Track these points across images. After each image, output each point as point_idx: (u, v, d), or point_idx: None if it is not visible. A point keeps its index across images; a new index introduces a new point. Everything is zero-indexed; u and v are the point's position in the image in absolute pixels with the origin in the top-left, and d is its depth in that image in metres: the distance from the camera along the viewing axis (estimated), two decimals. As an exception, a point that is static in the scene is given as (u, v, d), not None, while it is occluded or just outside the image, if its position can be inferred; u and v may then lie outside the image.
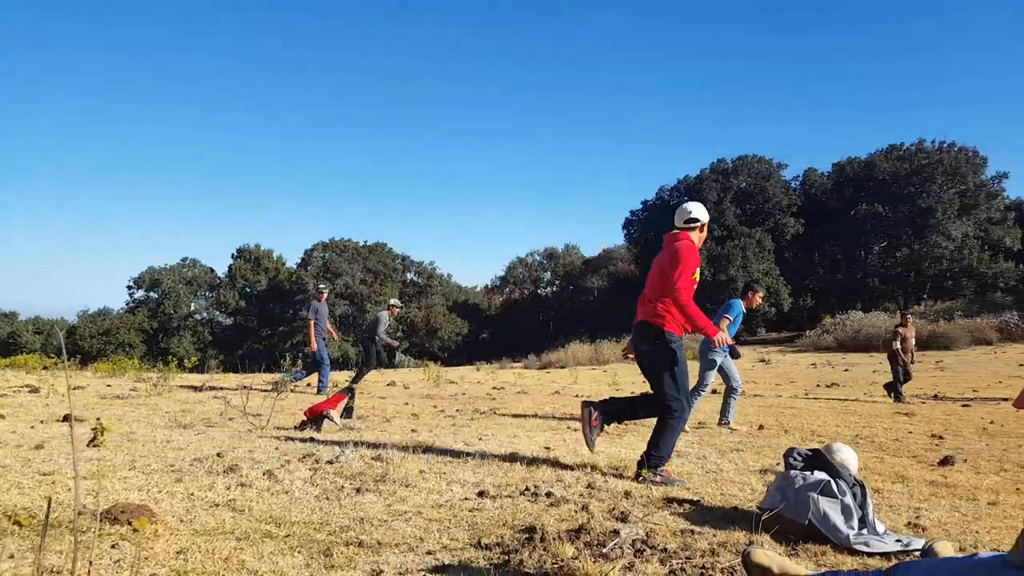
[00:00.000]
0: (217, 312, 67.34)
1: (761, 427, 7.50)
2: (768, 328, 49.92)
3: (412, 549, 2.92)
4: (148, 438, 5.80)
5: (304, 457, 4.88)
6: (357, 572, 2.59)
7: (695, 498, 3.93)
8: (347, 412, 7.48)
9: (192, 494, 3.77)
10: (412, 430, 6.91)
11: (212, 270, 70.00)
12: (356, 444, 5.65)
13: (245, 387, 10.09)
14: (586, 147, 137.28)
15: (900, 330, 12.54)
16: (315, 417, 6.93)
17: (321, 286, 12.64)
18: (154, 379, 11.91)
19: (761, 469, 4.93)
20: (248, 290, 66.65)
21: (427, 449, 5.53)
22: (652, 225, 58.07)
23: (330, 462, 4.70)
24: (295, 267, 67.80)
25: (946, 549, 2.76)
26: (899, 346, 12.13)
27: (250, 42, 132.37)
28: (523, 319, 68.42)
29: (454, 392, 13.31)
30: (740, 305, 7.68)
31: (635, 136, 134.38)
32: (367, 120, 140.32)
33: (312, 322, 11.79)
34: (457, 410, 9.48)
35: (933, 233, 47.84)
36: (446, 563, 2.71)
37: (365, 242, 70.72)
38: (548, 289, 75.60)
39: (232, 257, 68.43)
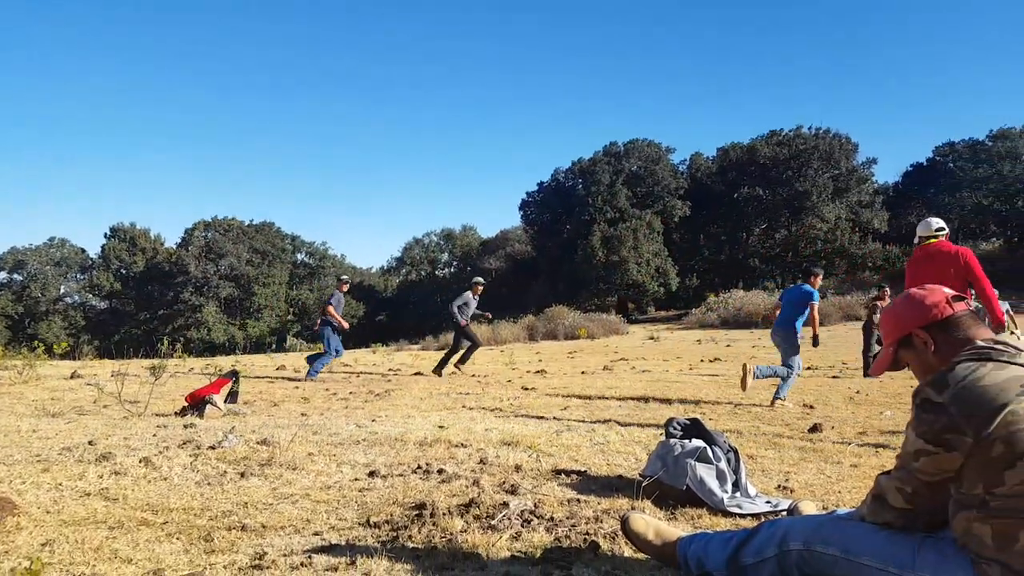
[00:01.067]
0: (90, 295, 62.65)
1: (647, 400, 7.81)
2: (657, 307, 52.11)
3: (298, 531, 2.85)
4: (11, 428, 5.41)
5: (184, 443, 4.67)
6: (240, 556, 2.51)
7: (583, 469, 4.04)
8: (231, 397, 7.19)
9: (60, 484, 3.54)
10: (302, 414, 6.72)
11: (83, 251, 65.03)
12: (241, 429, 5.46)
13: (121, 373, 9.47)
14: (482, 127, 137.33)
15: (879, 303, 12.96)
16: (197, 403, 6.63)
17: (343, 277, 13.80)
18: (19, 366, 10.98)
19: (646, 440, 5.13)
20: (124, 272, 62.33)
21: (317, 432, 5.41)
22: (548, 207, 58.98)
23: (212, 447, 4.52)
24: (175, 247, 64.00)
25: (809, 508, 2.99)
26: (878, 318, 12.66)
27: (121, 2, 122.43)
28: (421, 300, 67.88)
29: (348, 375, 13.04)
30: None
31: (531, 118, 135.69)
32: (250, 93, 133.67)
33: (331, 307, 12.33)
34: (350, 393, 9.30)
35: (809, 215, 51.33)
36: (333, 543, 2.66)
37: (251, 221, 67.67)
38: (446, 270, 75.35)
39: (105, 237, 63.56)
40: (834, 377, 10.68)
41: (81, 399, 7.77)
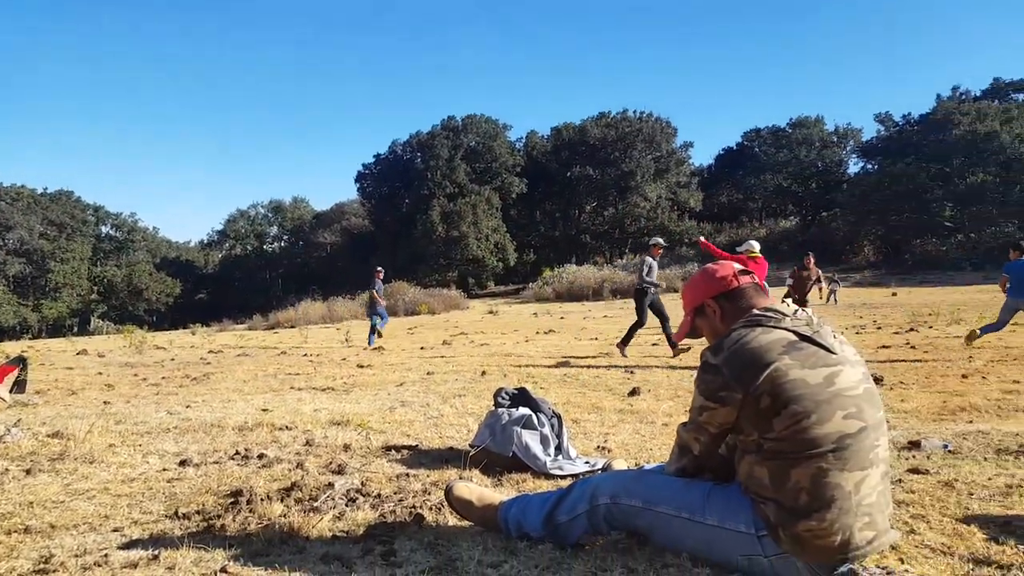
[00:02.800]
0: None
1: (484, 372, 7.94)
2: (496, 282, 53.18)
3: (94, 528, 2.59)
4: None
5: (-44, 441, 4.09)
6: (21, 561, 2.23)
7: (414, 443, 4.02)
8: (18, 387, 6.39)
9: None
10: (104, 402, 6.11)
11: None
12: (29, 421, 4.90)
13: None
14: (314, 96, 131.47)
15: (803, 273, 13.80)
16: (-25, 395, 5.82)
17: (379, 268, 15.54)
18: None
19: (479, 411, 5.21)
20: None
21: (121, 421, 4.97)
22: (386, 180, 57.91)
23: (-8, 443, 3.99)
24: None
25: (620, 465, 3.23)
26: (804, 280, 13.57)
27: None
28: (247, 277, 64.16)
29: (161, 359, 12.05)
30: None
31: (367, 90, 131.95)
32: (36, 41, 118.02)
33: (376, 294, 14.79)
34: (163, 377, 8.60)
35: (634, 194, 54.72)
36: (135, 538, 2.44)
37: (44, 190, 60.29)
38: (275, 244, 71.63)
39: None
40: (654, 344, 11.47)
41: None
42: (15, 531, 2.54)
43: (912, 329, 13.19)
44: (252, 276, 64.14)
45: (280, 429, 4.58)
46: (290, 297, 44.59)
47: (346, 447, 3.98)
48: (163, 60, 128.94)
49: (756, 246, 9.63)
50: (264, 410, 5.47)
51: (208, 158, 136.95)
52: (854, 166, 60.81)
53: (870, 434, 1.90)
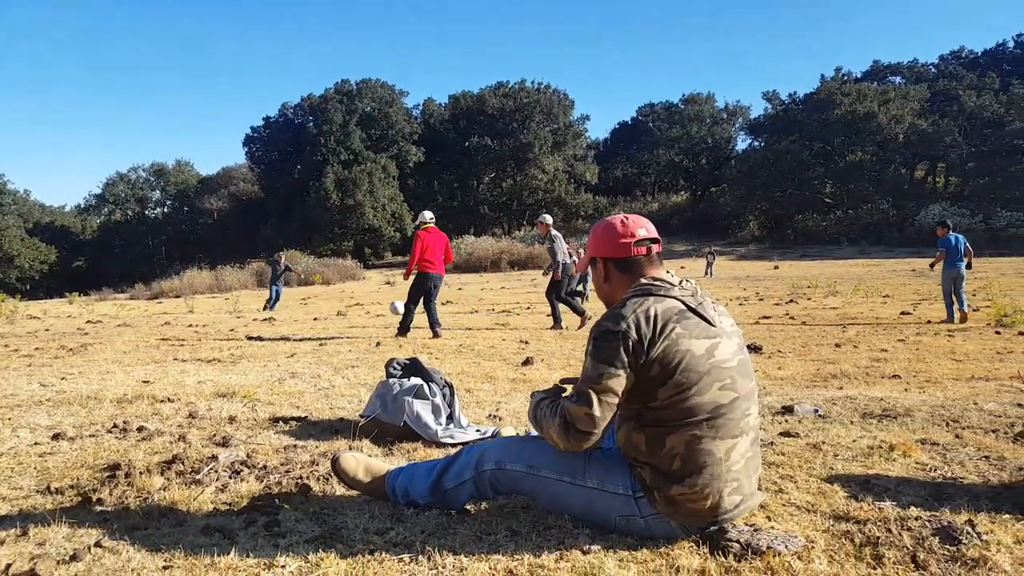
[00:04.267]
0: None
1: (379, 344, 7.89)
2: (393, 252, 52.44)
3: (-44, 506, 2.44)
4: None
5: None
6: None
7: (303, 415, 3.98)
8: None
9: None
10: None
11: None
12: None
13: None
14: (200, 55, 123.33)
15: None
16: None
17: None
18: None
19: (372, 382, 5.20)
20: None
21: (-14, 395, 4.62)
22: (276, 144, 55.51)
23: None
24: None
25: (509, 431, 3.34)
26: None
27: None
28: (128, 244, 60.13)
29: (35, 329, 11.20)
30: None
31: (253, 49, 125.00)
32: None
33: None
34: (37, 348, 8.02)
35: (531, 166, 55.07)
36: (2, 514, 2.34)
37: None
38: (159, 210, 67.38)
39: None
40: (549, 315, 11.76)
41: None
42: None
43: (792, 301, 14.19)
44: (134, 243, 60.12)
45: (162, 401, 4.42)
46: (175, 265, 42.27)
47: (231, 419, 3.90)
48: (32, 7, 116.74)
49: (427, 215, 9.30)
50: (145, 382, 5.25)
51: (83, 116, 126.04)
52: (742, 143, 63.94)
53: (741, 404, 1.99)
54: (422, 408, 3.39)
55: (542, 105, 55.85)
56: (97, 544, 2.01)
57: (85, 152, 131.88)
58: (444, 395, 3.56)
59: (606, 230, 2.22)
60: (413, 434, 3.34)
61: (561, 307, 9.80)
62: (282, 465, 2.90)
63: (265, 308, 16.46)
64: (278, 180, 53.43)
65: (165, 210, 67.05)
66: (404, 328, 8.81)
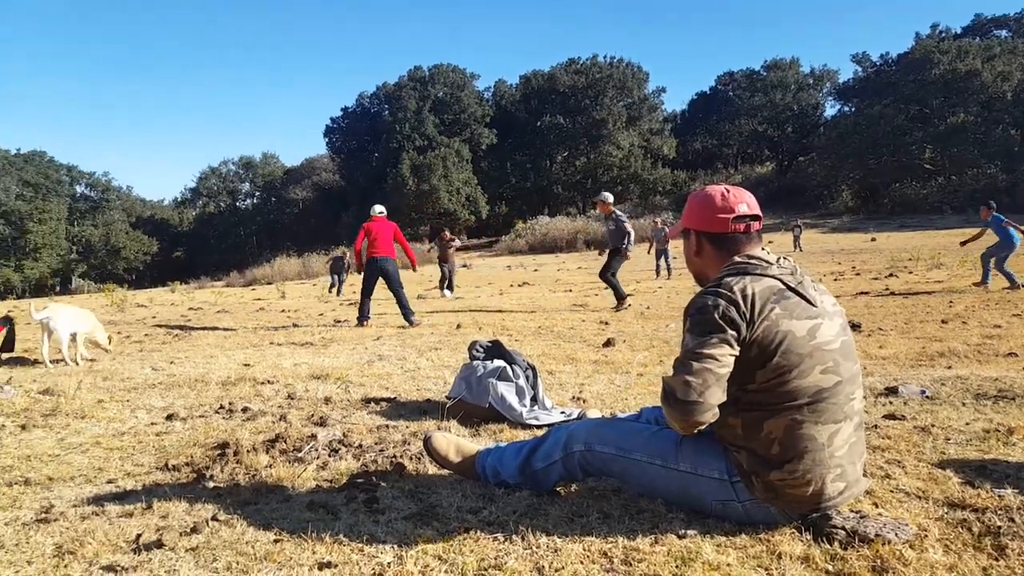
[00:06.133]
0: None
1: (459, 326, 8.05)
2: (469, 235, 52.95)
3: (90, 480, 2.69)
4: None
5: (-53, 401, 4.16)
6: (23, 511, 2.33)
7: (393, 396, 4.13)
8: (7, 345, 6.39)
9: None
10: (90, 359, 6.13)
11: None
12: (20, 379, 4.97)
13: None
14: (280, 50, 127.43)
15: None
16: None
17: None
18: None
19: (455, 364, 5.33)
20: None
21: (108, 378, 5.06)
22: (354, 134, 56.81)
23: (-17, 402, 4.07)
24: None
25: (594, 414, 3.34)
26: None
27: None
28: (222, 234, 63.24)
29: (143, 316, 11.98)
30: None
31: (331, 41, 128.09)
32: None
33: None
34: (146, 335, 8.60)
35: (605, 143, 54.11)
36: (129, 489, 2.55)
37: (18, 150, 58.81)
38: (248, 201, 70.41)
39: None
40: (629, 294, 11.66)
41: None
42: (16, 483, 2.64)
43: (891, 275, 13.45)
44: (226, 233, 63.21)
45: (262, 383, 4.67)
46: (265, 253, 44.17)
47: (327, 400, 4.09)
48: (125, 13, 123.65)
49: (377, 208, 9.36)
50: (246, 365, 5.55)
51: (178, 115, 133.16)
52: (831, 109, 60.74)
53: (845, 388, 1.91)
54: (506, 390, 3.45)
55: (615, 80, 54.76)
56: (214, 518, 2.17)
57: (180, 148, 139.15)
58: (527, 377, 3.61)
59: (704, 201, 2.12)
60: (498, 415, 3.41)
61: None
62: (376, 444, 3.03)
63: (330, 291, 18.51)
64: (357, 168, 54.81)
65: (254, 201, 70.02)
66: (362, 315, 8.96)
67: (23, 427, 3.54)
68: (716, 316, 1.88)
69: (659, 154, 56.46)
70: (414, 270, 10.41)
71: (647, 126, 57.39)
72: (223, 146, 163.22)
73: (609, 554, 1.87)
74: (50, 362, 5.79)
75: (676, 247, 17.92)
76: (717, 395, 1.87)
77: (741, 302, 1.88)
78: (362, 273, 9.08)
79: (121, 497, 2.44)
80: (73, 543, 1.99)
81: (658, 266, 18.27)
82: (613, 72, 55.06)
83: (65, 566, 1.86)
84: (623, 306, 9.43)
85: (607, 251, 9.88)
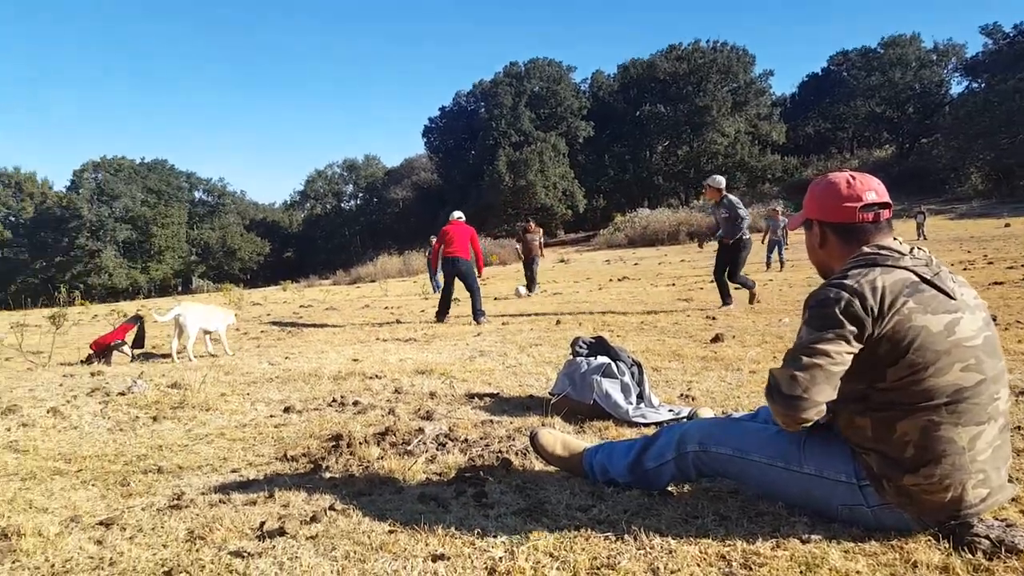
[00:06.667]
0: (-21, 245, 57.89)
1: (559, 321, 8.02)
2: (566, 229, 52.76)
3: (216, 469, 2.85)
4: None
5: (93, 391, 4.55)
6: (157, 497, 2.49)
7: (496, 391, 4.16)
8: (138, 342, 6.92)
9: None
10: (212, 355, 6.57)
11: (-35, 200, 59.51)
12: (150, 373, 5.32)
13: (21, 324, 8.95)
14: (379, 55, 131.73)
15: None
16: (102, 350, 6.46)
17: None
18: (-92, 324, 10.20)
19: (556, 360, 5.30)
20: (12, 219, 57.69)
21: (229, 372, 5.35)
22: (451, 132, 57.81)
23: (122, 394, 4.42)
24: (64, 191, 59.49)
25: (706, 413, 3.20)
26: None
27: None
28: (328, 235, 66.16)
29: (258, 314, 12.71)
30: None
31: (428, 41, 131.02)
32: (131, 23, 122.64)
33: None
34: (262, 331, 9.11)
35: (709, 130, 52.26)
36: (251, 478, 2.68)
37: (142, 159, 63.74)
38: (352, 202, 73.28)
39: (-12, 182, 58.29)
40: (735, 288, 11.25)
41: (-21, 354, 7.34)
42: (150, 471, 2.84)
43: (1028, 263, 12.36)
44: (332, 234, 66.07)
45: (370, 378, 4.82)
46: (368, 252, 45.80)
47: (432, 395, 4.17)
48: (219, 25, 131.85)
49: (456, 214, 9.82)
50: (355, 360, 5.75)
51: (286, 121, 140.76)
52: (957, 86, 55.91)
53: (989, 387, 1.77)
54: (611, 387, 3.40)
55: (719, 65, 52.83)
56: (331, 507, 2.24)
57: (289, 152, 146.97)
58: (632, 374, 3.54)
59: (827, 190, 2.00)
60: (603, 412, 3.35)
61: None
62: (481, 439, 3.05)
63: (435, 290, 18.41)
64: (454, 167, 55.83)
65: (357, 202, 72.74)
66: (441, 312, 9.37)
67: (154, 418, 3.80)
68: (837, 311, 1.77)
69: (767, 140, 53.97)
70: (479, 276, 10.64)
71: (754, 111, 55.01)
72: (328, 150, 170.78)
73: (727, 557, 1.80)
74: (177, 357, 6.23)
75: (796, 238, 17.15)
76: (826, 393, 1.80)
77: (869, 296, 1.76)
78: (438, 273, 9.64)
79: (245, 486, 2.57)
80: (203, 529, 2.12)
81: (769, 258, 17.51)
82: (716, 57, 53.15)
83: (197, 550, 1.98)
84: (728, 303, 8.47)
85: (717, 244, 8.83)
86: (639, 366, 3.63)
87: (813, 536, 1.86)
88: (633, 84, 55.45)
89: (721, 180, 8.73)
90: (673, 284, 13.90)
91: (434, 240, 10.26)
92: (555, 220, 51.74)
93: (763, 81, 56.67)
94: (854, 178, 1.97)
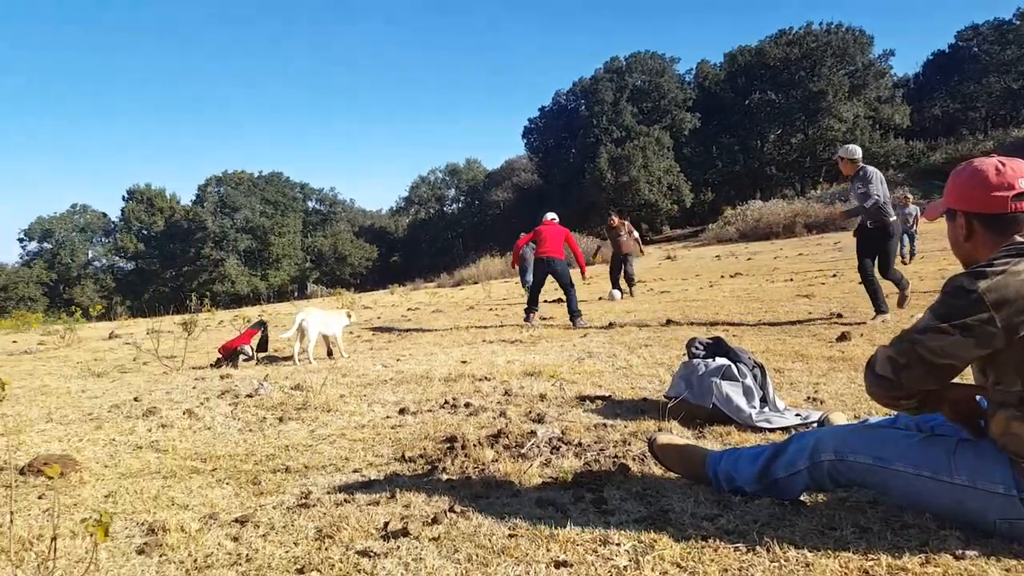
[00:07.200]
0: (117, 257, 64.03)
1: (669, 321, 7.81)
2: (672, 225, 51.52)
3: (339, 469, 2.95)
4: (62, 389, 5.63)
5: (223, 393, 4.84)
6: (287, 496, 2.60)
7: (607, 394, 4.09)
8: (262, 346, 7.32)
9: (114, 439, 3.72)
10: (329, 357, 6.84)
11: (105, 215, 66.28)
12: (274, 376, 5.60)
13: (155, 330, 9.74)
14: (476, 56, 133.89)
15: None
16: (229, 354, 6.84)
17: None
18: (61, 331, 11.37)
19: (669, 361, 5.16)
20: (145, 232, 63.32)
21: (346, 374, 5.54)
22: (551, 132, 57.75)
23: (249, 396, 4.68)
24: (190, 204, 64.44)
25: (839, 418, 2.98)
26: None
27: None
28: (432, 238, 67.90)
29: (369, 318, 13.17)
30: None
31: (526, 41, 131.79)
32: (246, 44, 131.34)
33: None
34: (373, 334, 9.42)
35: (825, 116, 49.46)
36: (372, 478, 2.76)
37: (260, 172, 67.87)
38: (454, 206, 74.84)
39: (123, 199, 64.55)
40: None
41: (121, 358, 8.01)
42: (279, 470, 2.97)
43: None
44: (436, 238, 67.79)
45: (480, 380, 4.87)
46: (471, 255, 46.57)
47: (542, 397, 4.15)
48: (328, 45, 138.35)
49: (550, 215, 9.69)
50: (463, 362, 5.83)
51: (390, 130, 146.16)
52: (1113, 55, 50.26)
53: None
54: (732, 390, 3.25)
55: (833, 47, 49.86)
56: (451, 509, 2.26)
57: (394, 160, 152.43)
58: (755, 376, 3.38)
59: (974, 178, 1.84)
60: (724, 417, 3.22)
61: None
62: (595, 443, 3.00)
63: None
64: (555, 166, 55.76)
65: (459, 205, 74.19)
66: (528, 310, 9.34)
67: (280, 419, 3.98)
68: (966, 303, 1.65)
69: (890, 124, 50.30)
70: (583, 276, 10.51)
71: (874, 94, 51.44)
72: (431, 155, 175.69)
73: (871, 572, 1.68)
74: (298, 359, 6.54)
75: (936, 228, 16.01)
76: (921, 382, 1.76)
77: (1013, 288, 1.61)
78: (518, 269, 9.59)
79: (367, 486, 2.64)
80: (331, 527, 2.19)
81: (901, 250, 16.30)
82: (831, 39, 50.18)
83: (326, 549, 2.04)
84: (905, 294, 6.85)
85: (854, 228, 7.13)
86: (761, 368, 3.46)
87: (968, 552, 1.71)
88: (741, 72, 53.37)
89: (856, 150, 7.02)
90: (791, 279, 13.24)
91: (523, 236, 10.07)
92: (660, 216, 50.60)
93: (883, 62, 52.92)
94: (1004, 164, 1.80)
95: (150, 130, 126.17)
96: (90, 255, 63.94)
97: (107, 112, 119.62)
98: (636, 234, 13.57)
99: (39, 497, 2.74)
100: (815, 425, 3.04)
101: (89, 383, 5.98)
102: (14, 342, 11.35)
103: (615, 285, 12.91)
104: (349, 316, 7.32)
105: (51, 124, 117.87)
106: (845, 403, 3.52)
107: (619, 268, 13.13)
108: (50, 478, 2.69)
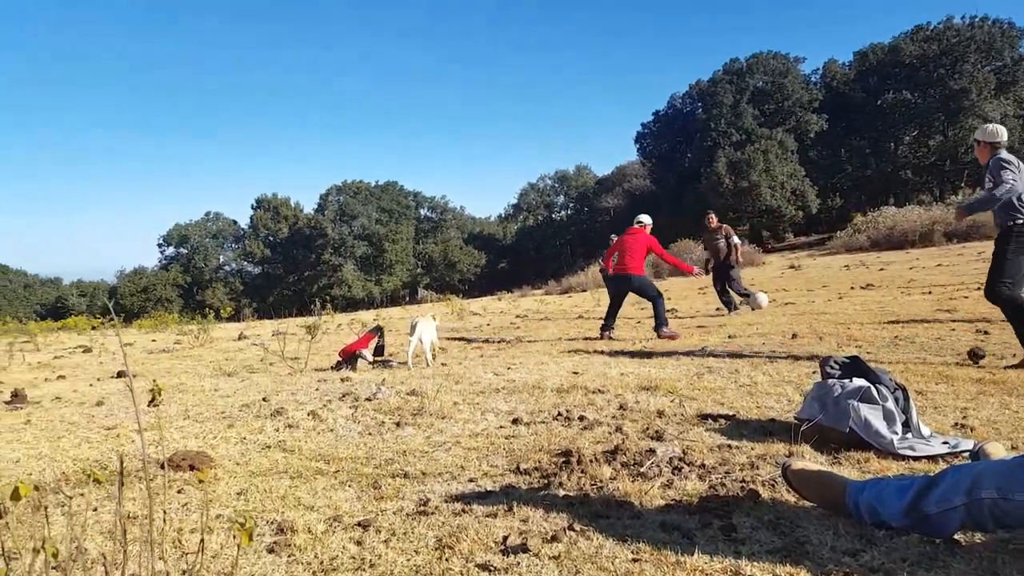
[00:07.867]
0: (245, 262, 68.93)
1: (795, 336, 7.38)
2: (795, 233, 49.05)
3: (455, 477, 2.97)
4: (197, 388, 6.05)
5: (344, 396, 5.02)
6: (406, 502, 2.64)
7: (730, 412, 3.90)
8: (379, 350, 7.59)
9: (244, 438, 3.93)
10: (442, 363, 6.98)
11: (235, 222, 71.43)
12: (391, 381, 5.76)
13: (280, 332, 10.35)
14: (589, 62, 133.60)
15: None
16: (348, 357, 7.11)
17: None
18: (195, 331, 12.34)
19: (797, 379, 4.86)
20: (271, 239, 67.81)
21: (459, 381, 5.61)
22: (665, 137, 56.55)
23: (368, 399, 4.82)
24: (312, 213, 68.33)
25: (997, 450, 2.63)
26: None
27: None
28: (540, 245, 68.25)
29: (479, 324, 13.37)
30: None
31: (641, 45, 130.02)
32: (369, 60, 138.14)
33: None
34: (484, 341, 9.53)
35: (968, 116, 45.52)
36: (488, 489, 2.75)
37: (376, 182, 70.91)
38: (562, 213, 74.98)
39: (252, 208, 69.67)
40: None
41: (250, 358, 8.56)
42: (397, 475, 3.03)
43: None
44: (544, 244, 68.15)
45: (593, 392, 4.78)
46: (579, 262, 46.39)
47: (660, 413, 4.01)
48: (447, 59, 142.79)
49: (641, 218, 9.58)
50: (575, 373, 5.76)
51: (500, 138, 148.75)
52: None
53: None
54: (871, 413, 3.00)
55: (977, 42, 45.83)
56: (570, 527, 2.21)
57: (505, 167, 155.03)
58: (896, 399, 3.10)
59: None
60: (862, 442, 2.98)
61: None
62: (720, 465, 2.86)
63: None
64: (668, 171, 54.51)
65: (568, 212, 74.20)
66: (604, 327, 8.99)
67: (397, 424, 4.07)
68: None
69: (1044, 123, 45.65)
70: (692, 274, 10.01)
71: (1024, 91, 46.89)
72: (541, 161, 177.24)
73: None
74: (412, 364, 6.72)
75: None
76: None
77: None
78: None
79: (483, 496, 2.64)
80: (450, 538, 2.19)
81: None
82: (975, 33, 46.17)
83: (446, 559, 2.05)
84: None
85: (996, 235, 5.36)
86: (904, 390, 3.18)
87: None
88: (872, 71, 50.05)
89: (1000, 130, 5.33)
90: (929, 292, 12.21)
91: (614, 239, 9.70)
92: (783, 222, 48.30)
93: (1035, 56, 48.03)
94: None
95: (278, 139, 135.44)
96: (221, 259, 69.29)
97: (238, 124, 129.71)
98: (736, 240, 11.63)
99: (178, 491, 2.92)
100: (967, 455, 2.75)
101: (221, 382, 6.40)
102: (153, 340, 12.44)
103: (737, 294, 11.51)
104: (435, 318, 7.50)
105: (192, 134, 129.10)
106: (999, 431, 3.17)
107: (723, 278, 11.51)
108: (200, 481, 2.88)
